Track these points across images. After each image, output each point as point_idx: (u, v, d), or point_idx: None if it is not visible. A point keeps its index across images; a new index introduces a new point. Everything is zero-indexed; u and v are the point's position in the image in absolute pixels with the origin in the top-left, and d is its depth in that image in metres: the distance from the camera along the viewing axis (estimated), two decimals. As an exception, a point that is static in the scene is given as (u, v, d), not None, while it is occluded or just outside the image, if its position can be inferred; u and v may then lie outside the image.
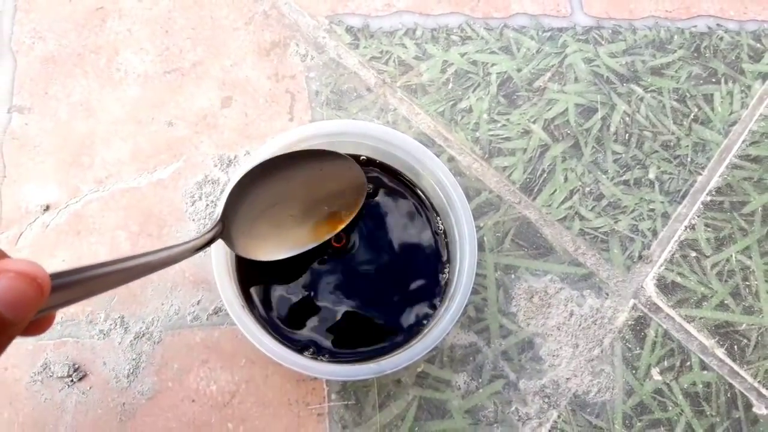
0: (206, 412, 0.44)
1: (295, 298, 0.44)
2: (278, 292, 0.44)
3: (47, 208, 0.48)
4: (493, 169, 0.53)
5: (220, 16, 0.56)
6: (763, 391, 0.49)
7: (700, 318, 0.50)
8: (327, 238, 0.44)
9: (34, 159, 0.49)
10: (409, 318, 0.44)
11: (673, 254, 0.52)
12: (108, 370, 0.44)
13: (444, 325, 0.41)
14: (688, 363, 0.49)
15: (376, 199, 0.47)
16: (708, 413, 0.48)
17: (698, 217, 0.53)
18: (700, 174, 0.55)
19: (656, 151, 0.55)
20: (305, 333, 0.43)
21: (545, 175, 0.53)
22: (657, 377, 0.49)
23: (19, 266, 0.23)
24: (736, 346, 0.50)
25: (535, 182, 0.53)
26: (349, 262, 0.45)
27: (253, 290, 0.43)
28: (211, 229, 0.37)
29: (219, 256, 0.41)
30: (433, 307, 0.45)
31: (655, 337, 0.49)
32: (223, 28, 0.55)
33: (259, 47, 0.55)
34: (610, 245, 0.52)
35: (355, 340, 0.44)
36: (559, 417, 0.47)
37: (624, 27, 0.59)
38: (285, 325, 0.43)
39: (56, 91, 0.52)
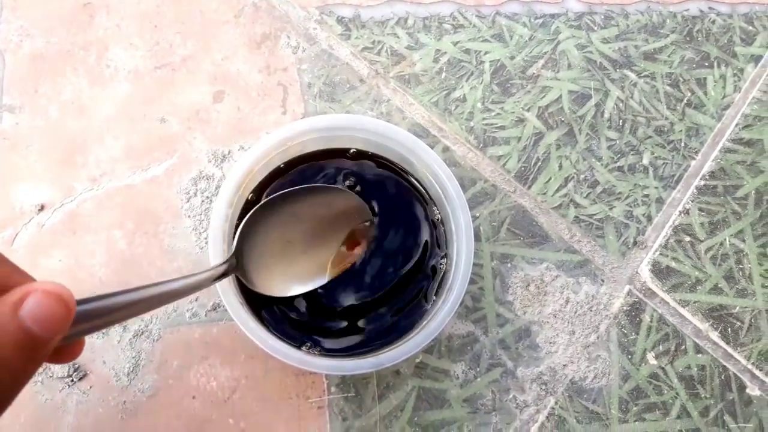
0: (207, 408, 0.45)
1: (291, 296, 0.44)
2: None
3: (42, 207, 0.49)
4: (488, 158, 0.54)
5: (210, 9, 0.56)
6: (757, 372, 0.50)
7: (695, 302, 0.52)
8: (337, 274, 0.45)
9: (26, 159, 0.50)
10: (406, 309, 0.45)
11: (667, 239, 0.53)
12: (108, 368, 0.45)
13: (442, 316, 0.42)
14: (683, 347, 0.50)
15: (373, 192, 0.48)
16: (702, 396, 0.49)
17: (692, 201, 0.54)
18: (694, 158, 0.56)
19: (650, 137, 0.56)
20: (303, 328, 0.44)
21: (540, 163, 0.54)
22: (652, 361, 0.50)
23: (46, 286, 0.25)
24: (729, 329, 0.51)
25: (530, 171, 0.54)
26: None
27: (249, 288, 0.44)
28: (226, 262, 0.39)
29: (216, 253, 0.42)
30: (431, 299, 0.46)
31: (651, 322, 0.51)
32: (213, 22, 0.56)
33: (250, 40, 0.55)
34: (605, 232, 0.53)
35: (352, 333, 0.45)
36: (556, 403, 0.48)
37: (616, 12, 0.60)
38: (283, 321, 0.44)
39: (46, 89, 0.52)
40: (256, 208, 0.41)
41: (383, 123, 0.47)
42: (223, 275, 0.38)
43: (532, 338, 0.49)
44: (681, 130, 0.56)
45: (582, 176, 0.54)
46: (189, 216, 0.49)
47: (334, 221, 0.45)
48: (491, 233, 0.52)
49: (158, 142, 0.52)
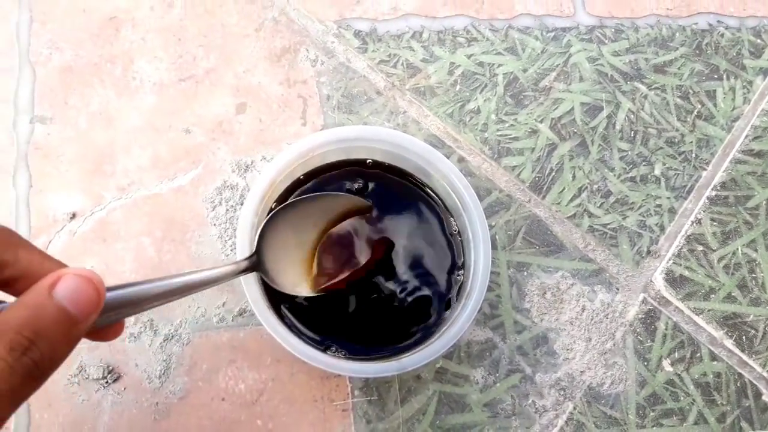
0: (236, 410, 0.47)
1: (317, 301, 0.46)
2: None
3: (73, 216, 0.51)
4: (503, 168, 0.56)
5: (231, 24, 0.59)
6: (771, 379, 0.52)
7: (709, 310, 0.54)
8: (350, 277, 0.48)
9: (58, 168, 0.52)
10: (427, 317, 0.47)
11: (680, 249, 0.55)
12: (140, 371, 0.47)
13: (462, 322, 0.44)
14: (698, 354, 0.52)
15: (392, 202, 0.50)
16: (719, 402, 0.51)
17: (704, 211, 0.57)
18: (705, 169, 0.58)
19: (661, 148, 0.58)
20: (328, 333, 0.46)
21: (553, 173, 0.57)
22: (668, 368, 0.52)
23: (77, 270, 0.28)
24: (744, 337, 0.53)
25: (544, 181, 0.56)
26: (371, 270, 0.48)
27: (276, 294, 0.46)
28: (248, 258, 0.42)
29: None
30: (450, 306, 0.47)
31: (666, 329, 0.53)
32: (234, 36, 0.58)
33: (270, 53, 0.58)
34: (619, 241, 0.55)
35: (375, 339, 0.47)
36: (574, 408, 0.50)
37: (626, 26, 0.62)
38: (308, 326, 0.46)
39: (75, 100, 0.54)
40: (274, 211, 0.44)
41: (401, 134, 0.49)
42: (245, 270, 0.41)
43: (549, 345, 0.51)
44: (692, 142, 0.59)
45: (595, 186, 0.57)
46: (214, 224, 0.52)
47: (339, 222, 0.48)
48: (507, 242, 0.54)
49: (183, 153, 0.54)
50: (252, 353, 0.48)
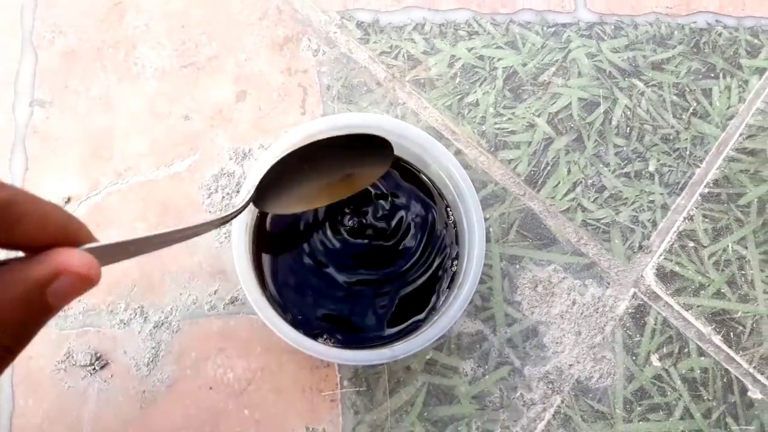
0: (224, 399, 0.43)
1: (309, 289, 0.43)
2: (294, 282, 0.43)
3: (69, 200, 0.47)
4: (499, 161, 0.52)
5: (235, 12, 0.54)
6: (758, 376, 0.48)
7: (698, 306, 0.49)
8: (345, 196, 0.43)
9: (55, 152, 0.48)
10: (419, 306, 0.44)
11: (672, 244, 0.51)
12: (128, 358, 0.43)
13: (453, 312, 0.40)
14: (686, 350, 0.48)
15: (388, 190, 0.46)
16: (705, 398, 0.47)
17: (696, 208, 0.52)
18: (699, 166, 0.53)
19: (656, 144, 0.53)
20: (319, 321, 0.42)
21: (549, 167, 0.52)
22: (656, 363, 0.47)
23: (81, 268, 0.23)
24: (732, 333, 0.49)
25: (540, 174, 0.52)
26: (362, 252, 0.44)
27: (269, 280, 0.42)
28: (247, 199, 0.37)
29: (239, 245, 0.40)
30: (442, 295, 0.44)
31: (655, 324, 0.48)
32: (238, 23, 0.53)
33: (273, 42, 0.53)
34: (611, 236, 0.50)
35: (367, 327, 0.43)
36: (562, 402, 0.46)
37: (626, 23, 0.57)
38: (300, 314, 0.42)
39: (76, 85, 0.50)
40: (283, 155, 0.39)
41: (402, 123, 0.44)
42: (243, 208, 0.37)
43: (539, 338, 0.47)
44: (686, 139, 0.54)
45: (590, 181, 0.52)
46: (210, 211, 0.47)
47: (356, 162, 0.43)
48: (501, 235, 0.49)
49: (182, 139, 0.49)
50: (242, 342, 0.44)
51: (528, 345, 0.47)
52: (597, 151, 0.53)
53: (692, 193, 0.52)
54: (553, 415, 0.45)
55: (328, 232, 0.44)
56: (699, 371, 0.47)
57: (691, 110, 0.55)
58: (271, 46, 0.53)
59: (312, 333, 0.41)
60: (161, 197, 0.47)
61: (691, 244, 0.51)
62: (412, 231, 0.45)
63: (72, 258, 0.23)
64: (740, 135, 0.55)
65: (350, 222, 0.44)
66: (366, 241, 0.44)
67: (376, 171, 0.43)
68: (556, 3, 0.57)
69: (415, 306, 0.43)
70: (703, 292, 0.50)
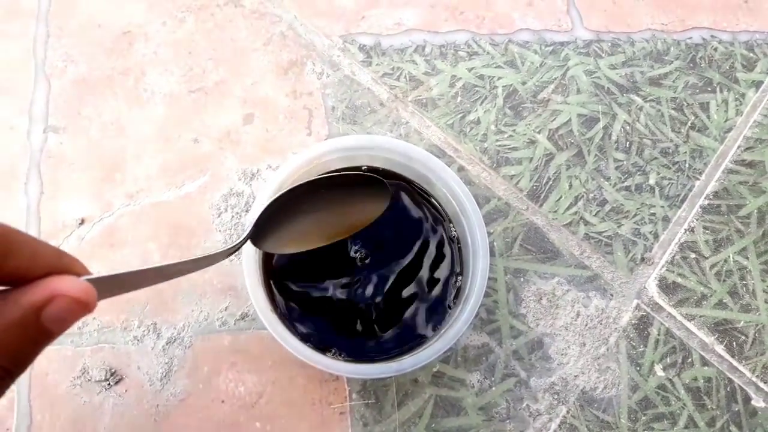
0: (235, 413, 0.45)
1: (318, 305, 0.44)
2: (303, 298, 0.44)
3: (82, 221, 0.49)
4: (501, 177, 0.54)
5: (240, 38, 0.56)
6: (761, 385, 0.49)
7: (700, 316, 0.51)
8: (343, 237, 0.44)
9: (69, 176, 0.50)
10: (425, 320, 0.45)
11: (673, 256, 0.52)
12: (142, 374, 0.45)
13: (459, 325, 0.42)
14: (690, 359, 0.49)
15: (393, 209, 0.47)
16: (709, 407, 0.48)
17: (697, 220, 0.54)
18: (698, 179, 0.55)
19: (656, 158, 0.55)
20: (328, 336, 0.44)
21: (551, 182, 0.54)
22: (660, 373, 0.49)
23: (74, 291, 0.24)
24: (734, 343, 0.50)
25: (542, 189, 0.54)
26: (369, 269, 0.46)
27: (278, 297, 0.44)
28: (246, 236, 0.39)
29: (249, 263, 0.41)
30: (448, 310, 0.45)
31: (658, 335, 0.50)
32: (243, 49, 0.56)
33: (278, 66, 0.56)
34: (613, 248, 0.52)
35: (375, 342, 0.44)
36: (568, 412, 0.47)
37: (623, 40, 0.60)
38: (309, 328, 0.44)
39: (88, 111, 0.53)
40: (281, 194, 0.41)
41: (404, 143, 0.47)
42: (240, 245, 0.38)
43: (544, 350, 0.49)
44: (685, 152, 0.56)
45: (591, 195, 0.54)
46: (220, 230, 0.49)
47: (354, 205, 0.45)
48: (504, 249, 0.51)
49: (191, 161, 0.52)
50: (252, 356, 0.46)
51: (533, 357, 0.48)
52: (597, 166, 0.55)
53: (692, 205, 0.54)
54: (559, 426, 0.46)
55: (336, 250, 0.46)
56: (702, 381, 0.49)
57: (689, 124, 0.57)
58: (276, 70, 0.56)
59: (321, 347, 0.43)
60: (172, 218, 0.50)
61: (693, 256, 0.53)
62: (418, 248, 0.47)
63: (66, 283, 0.24)
64: (738, 147, 0.57)
65: (357, 250, 0.46)
66: (373, 258, 0.46)
67: (373, 211, 0.45)
68: (553, 22, 0.60)
69: (422, 320, 0.45)
70: (705, 302, 0.51)
